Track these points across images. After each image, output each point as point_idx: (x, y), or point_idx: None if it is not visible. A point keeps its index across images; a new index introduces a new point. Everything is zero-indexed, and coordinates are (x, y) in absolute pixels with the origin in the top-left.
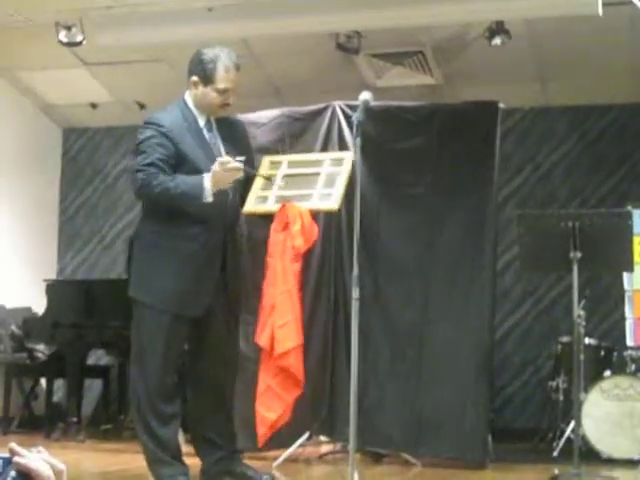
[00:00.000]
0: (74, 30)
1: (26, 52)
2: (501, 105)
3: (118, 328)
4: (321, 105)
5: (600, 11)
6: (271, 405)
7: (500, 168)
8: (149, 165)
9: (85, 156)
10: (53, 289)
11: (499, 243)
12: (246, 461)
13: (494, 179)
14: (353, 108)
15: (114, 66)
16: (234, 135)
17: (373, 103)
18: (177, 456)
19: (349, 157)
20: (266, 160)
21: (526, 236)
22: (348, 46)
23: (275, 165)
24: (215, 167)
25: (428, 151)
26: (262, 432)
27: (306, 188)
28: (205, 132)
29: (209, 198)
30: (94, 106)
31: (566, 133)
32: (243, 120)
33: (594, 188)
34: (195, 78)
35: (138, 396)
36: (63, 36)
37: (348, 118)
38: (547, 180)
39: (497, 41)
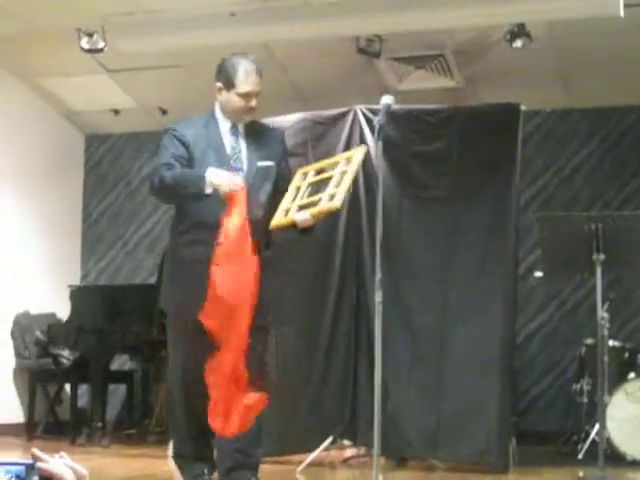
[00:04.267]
0: (96, 37)
1: (48, 59)
2: (523, 107)
3: (142, 333)
4: (343, 109)
5: (622, 12)
6: None
7: (522, 171)
8: (161, 165)
9: (108, 162)
10: (77, 295)
11: (521, 246)
12: (269, 466)
13: (516, 182)
14: (375, 112)
15: (136, 72)
16: (265, 141)
17: (395, 107)
18: None
19: (359, 153)
20: (298, 172)
21: (549, 239)
22: (369, 50)
23: (305, 175)
24: (223, 172)
25: (449, 154)
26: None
27: (321, 192)
28: (225, 137)
29: (208, 189)
30: (116, 112)
31: (588, 135)
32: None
33: (617, 190)
34: (219, 84)
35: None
36: (85, 43)
37: (370, 122)
38: (569, 182)
39: (518, 44)
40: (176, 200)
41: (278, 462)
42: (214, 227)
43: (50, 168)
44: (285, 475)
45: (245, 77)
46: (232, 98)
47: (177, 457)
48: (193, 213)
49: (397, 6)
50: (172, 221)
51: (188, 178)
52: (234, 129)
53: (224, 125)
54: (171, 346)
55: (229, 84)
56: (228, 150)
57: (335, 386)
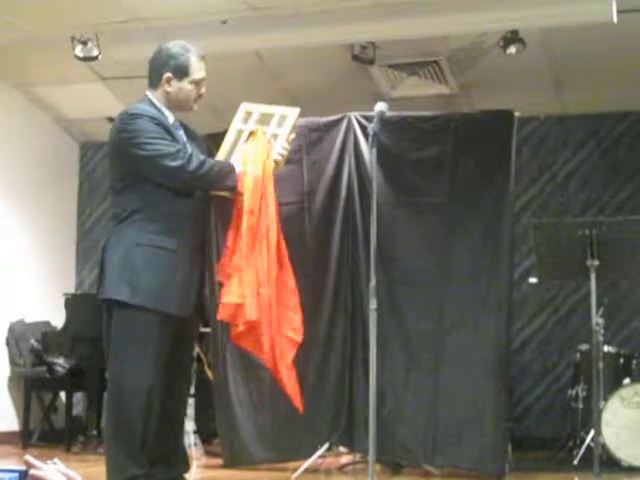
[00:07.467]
0: (90, 45)
1: (43, 67)
2: (516, 114)
3: None
4: (337, 116)
5: (615, 18)
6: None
7: (516, 177)
8: (177, 151)
9: (102, 170)
10: (72, 303)
11: (516, 252)
12: (265, 472)
13: (510, 188)
14: (369, 119)
15: (130, 80)
16: (195, 137)
17: (389, 113)
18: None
19: (293, 115)
20: (242, 108)
21: (543, 245)
22: (363, 57)
23: (248, 115)
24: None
25: (444, 161)
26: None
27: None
28: (174, 130)
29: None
30: (111, 120)
31: (582, 141)
32: None
33: (611, 196)
34: (168, 75)
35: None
36: (79, 51)
37: (364, 129)
38: (563, 189)
39: (512, 50)
40: (205, 190)
41: (273, 469)
42: (189, 217)
43: (45, 176)
44: None
45: (198, 63)
46: (185, 87)
47: None
48: (164, 202)
49: (391, 13)
50: (127, 210)
51: (223, 170)
52: (177, 122)
53: (171, 120)
54: (136, 345)
55: (181, 72)
56: (188, 148)
57: (331, 392)
